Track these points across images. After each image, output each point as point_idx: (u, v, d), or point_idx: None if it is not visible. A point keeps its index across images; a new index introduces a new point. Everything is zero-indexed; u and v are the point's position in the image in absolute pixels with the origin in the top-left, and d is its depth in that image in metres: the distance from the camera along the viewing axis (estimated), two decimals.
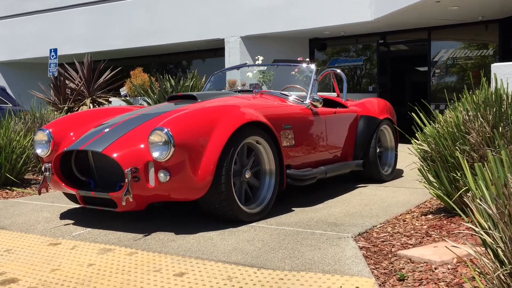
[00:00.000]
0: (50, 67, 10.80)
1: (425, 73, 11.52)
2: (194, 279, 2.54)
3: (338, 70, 5.60)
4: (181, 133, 3.23)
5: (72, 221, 3.81)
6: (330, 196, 4.50)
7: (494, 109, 3.17)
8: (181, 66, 15.40)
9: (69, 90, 8.36)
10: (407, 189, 4.81)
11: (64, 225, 3.73)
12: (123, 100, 8.34)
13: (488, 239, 1.61)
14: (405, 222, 3.50)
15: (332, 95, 5.96)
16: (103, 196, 3.47)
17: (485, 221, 1.65)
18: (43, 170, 3.71)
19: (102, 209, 3.59)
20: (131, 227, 3.54)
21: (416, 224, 3.43)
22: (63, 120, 4.04)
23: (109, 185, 3.58)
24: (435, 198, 3.88)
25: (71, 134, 3.86)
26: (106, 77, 8.73)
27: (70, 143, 3.73)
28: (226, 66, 11.51)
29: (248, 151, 3.69)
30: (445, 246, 2.74)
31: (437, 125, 3.45)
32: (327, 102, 5.27)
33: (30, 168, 5.73)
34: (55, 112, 6.88)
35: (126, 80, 11.50)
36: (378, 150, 5.28)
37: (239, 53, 11.45)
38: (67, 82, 8.45)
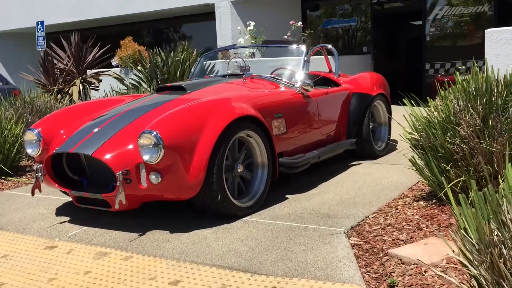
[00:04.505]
0: (38, 41, 10.61)
1: (420, 31, 11.34)
2: None
3: (330, 46, 5.51)
4: (171, 134, 3.21)
5: (68, 218, 3.83)
6: (323, 179, 4.52)
7: (485, 99, 3.14)
8: (172, 31, 15.13)
9: (58, 71, 8.23)
10: (401, 166, 4.78)
11: (60, 223, 3.75)
12: (114, 78, 8.23)
13: (474, 271, 1.63)
14: (397, 211, 3.54)
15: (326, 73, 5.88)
16: (96, 197, 3.48)
17: (469, 253, 1.66)
18: (35, 170, 3.70)
19: (96, 208, 3.60)
20: (126, 224, 3.57)
21: (408, 213, 3.46)
22: (51, 118, 4.00)
23: (102, 184, 3.59)
24: None
25: (62, 131, 3.84)
26: (95, 54, 8.58)
27: (60, 142, 3.71)
28: (217, 31, 11.33)
29: (239, 144, 3.68)
30: (436, 242, 2.79)
31: (427, 116, 3.42)
32: (319, 80, 5.22)
33: (24, 156, 5.72)
34: (46, 95, 6.79)
35: (116, 50, 11.34)
36: (371, 126, 5.27)
37: (230, 18, 11.22)
38: (55, 62, 8.30)
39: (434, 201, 3.60)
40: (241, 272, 2.72)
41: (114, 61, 11.64)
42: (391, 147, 5.73)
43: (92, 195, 3.50)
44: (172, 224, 3.52)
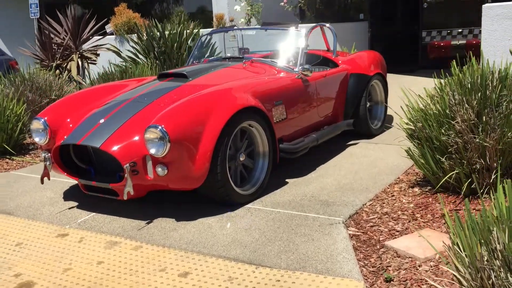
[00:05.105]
0: (31, 8, 10.48)
1: None
2: (197, 281, 2.75)
3: (327, 25, 5.54)
4: (176, 128, 3.31)
5: (76, 203, 3.97)
6: (321, 161, 4.66)
7: (479, 94, 3.25)
8: None
9: (55, 46, 8.20)
10: (396, 146, 4.90)
11: (69, 208, 3.89)
12: (113, 52, 8.21)
13: (465, 284, 1.78)
14: (393, 198, 3.69)
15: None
16: (104, 186, 3.61)
17: (461, 266, 1.81)
18: (43, 159, 3.82)
19: (104, 196, 3.74)
20: (133, 211, 3.71)
21: (404, 200, 3.62)
22: (57, 106, 4.08)
23: (109, 172, 3.71)
24: None
25: (68, 120, 3.93)
26: (91, 28, 8.52)
27: (67, 132, 3.80)
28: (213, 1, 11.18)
29: (241, 133, 3.79)
30: (430, 235, 2.96)
31: (423, 107, 3.53)
32: (317, 59, 5.29)
33: (27, 135, 5.81)
34: (44, 71, 6.81)
35: (111, 17, 11.22)
36: (368, 105, 5.38)
37: None
38: (52, 36, 8.25)
39: (429, 187, 3.76)
40: (246, 264, 2.88)
41: (108, 28, 11.54)
42: (387, 123, 5.87)
43: (100, 184, 3.62)
44: (177, 211, 3.66)
